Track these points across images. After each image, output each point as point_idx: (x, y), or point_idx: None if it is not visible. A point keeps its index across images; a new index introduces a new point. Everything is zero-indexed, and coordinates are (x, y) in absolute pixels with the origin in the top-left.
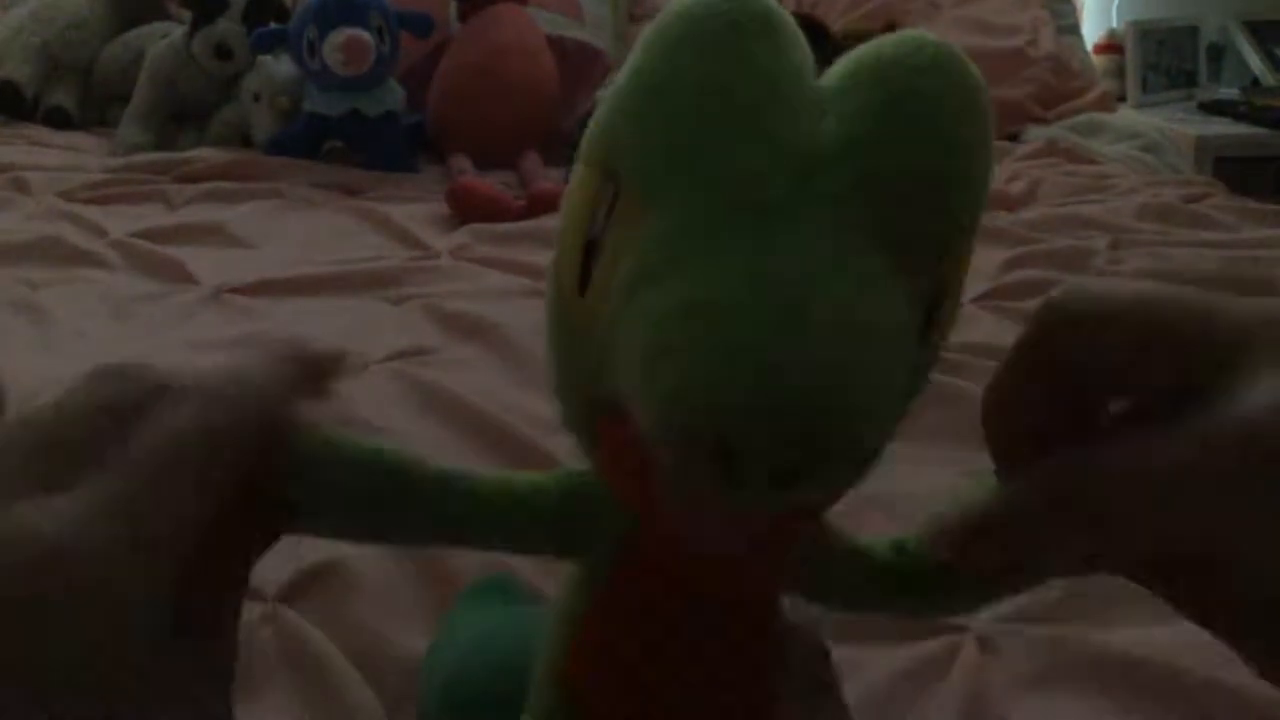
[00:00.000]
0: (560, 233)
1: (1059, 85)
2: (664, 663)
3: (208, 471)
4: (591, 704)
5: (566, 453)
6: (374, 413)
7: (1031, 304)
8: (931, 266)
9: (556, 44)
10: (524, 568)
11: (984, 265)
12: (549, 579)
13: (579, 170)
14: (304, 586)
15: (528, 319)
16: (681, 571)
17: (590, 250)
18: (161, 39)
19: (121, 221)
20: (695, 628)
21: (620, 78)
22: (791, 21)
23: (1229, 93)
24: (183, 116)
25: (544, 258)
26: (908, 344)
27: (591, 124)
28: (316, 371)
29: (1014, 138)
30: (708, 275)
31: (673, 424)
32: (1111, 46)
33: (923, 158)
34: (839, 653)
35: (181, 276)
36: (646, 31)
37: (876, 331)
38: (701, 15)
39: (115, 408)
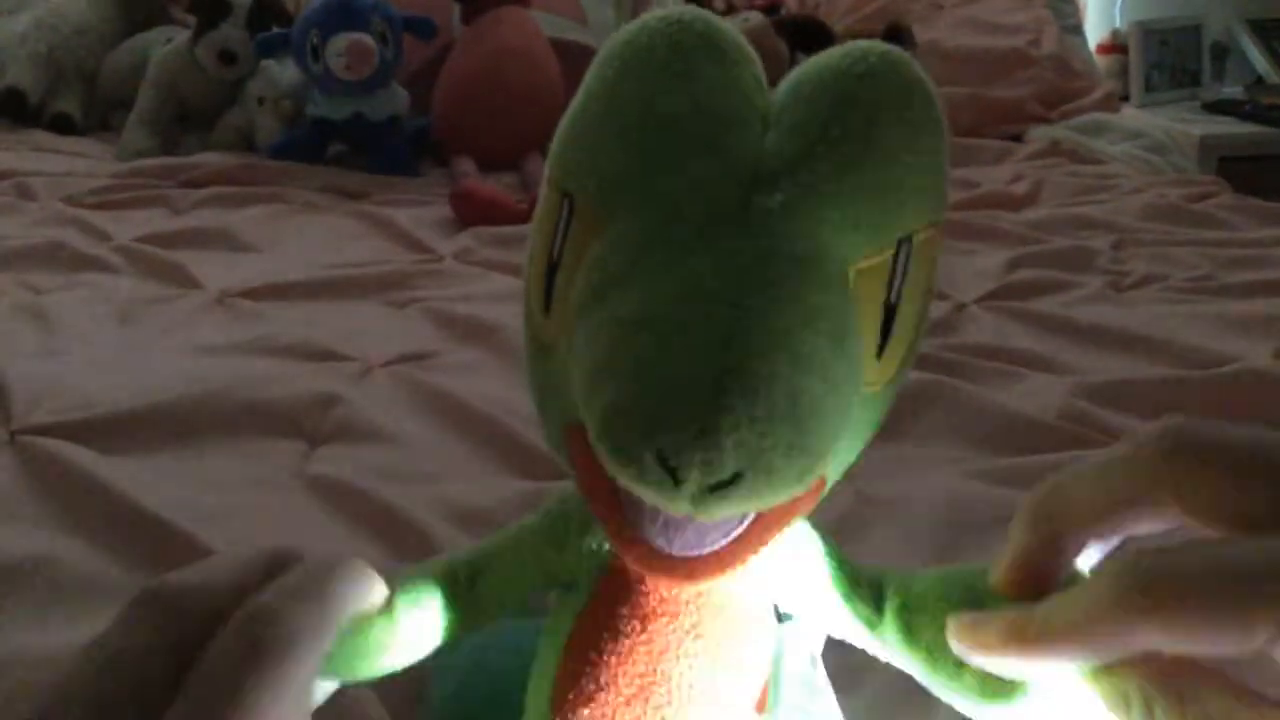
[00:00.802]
0: (528, 253)
1: (1062, 85)
2: (648, 679)
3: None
4: None
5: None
6: (377, 416)
7: (1033, 304)
8: (881, 279)
9: (559, 47)
10: None
11: (986, 266)
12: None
13: (544, 191)
14: None
15: None
16: (658, 584)
17: (553, 270)
18: (165, 44)
19: (126, 226)
20: (678, 642)
21: (574, 101)
22: (739, 39)
23: (1233, 92)
24: (187, 121)
25: None
26: (850, 347)
27: (551, 146)
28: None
29: (1017, 138)
30: (646, 293)
31: (613, 440)
32: (1115, 46)
33: (863, 168)
34: (843, 660)
35: (186, 281)
36: (597, 56)
37: (809, 338)
38: (646, 39)
39: (175, 648)
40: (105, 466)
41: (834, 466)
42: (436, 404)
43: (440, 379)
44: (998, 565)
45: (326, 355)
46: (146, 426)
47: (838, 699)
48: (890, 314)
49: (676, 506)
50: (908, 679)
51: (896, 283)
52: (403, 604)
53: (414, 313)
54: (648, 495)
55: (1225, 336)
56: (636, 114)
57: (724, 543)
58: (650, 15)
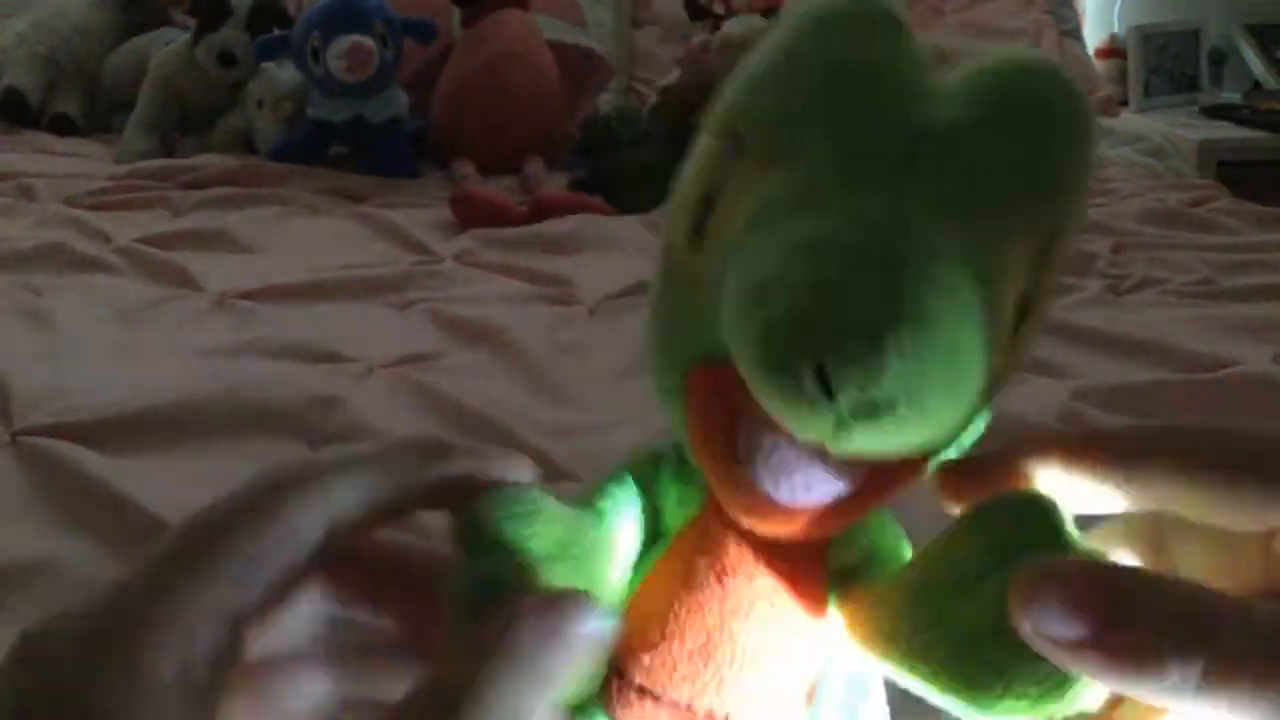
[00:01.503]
0: (677, 191)
1: None
2: (715, 635)
3: None
4: (637, 667)
5: (569, 458)
6: (378, 418)
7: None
8: (1026, 263)
9: (559, 49)
10: None
11: None
12: None
13: (703, 140)
14: None
15: (532, 324)
16: (738, 547)
17: (707, 204)
18: (165, 46)
19: (126, 228)
20: (750, 604)
21: (751, 60)
22: (909, 23)
23: (1231, 96)
24: (187, 123)
25: (548, 263)
26: (993, 320)
27: (719, 100)
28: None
29: None
30: (821, 219)
31: (773, 349)
32: (1113, 51)
33: (1031, 150)
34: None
35: (186, 282)
36: (778, 24)
37: (969, 289)
38: (829, 10)
39: None
40: (106, 468)
41: (940, 450)
42: (437, 406)
43: (441, 381)
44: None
45: (327, 357)
46: (147, 428)
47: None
48: (1025, 309)
49: (819, 428)
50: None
51: (1037, 276)
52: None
53: (415, 315)
54: (793, 416)
55: (1224, 340)
56: (819, 64)
57: (826, 500)
58: None
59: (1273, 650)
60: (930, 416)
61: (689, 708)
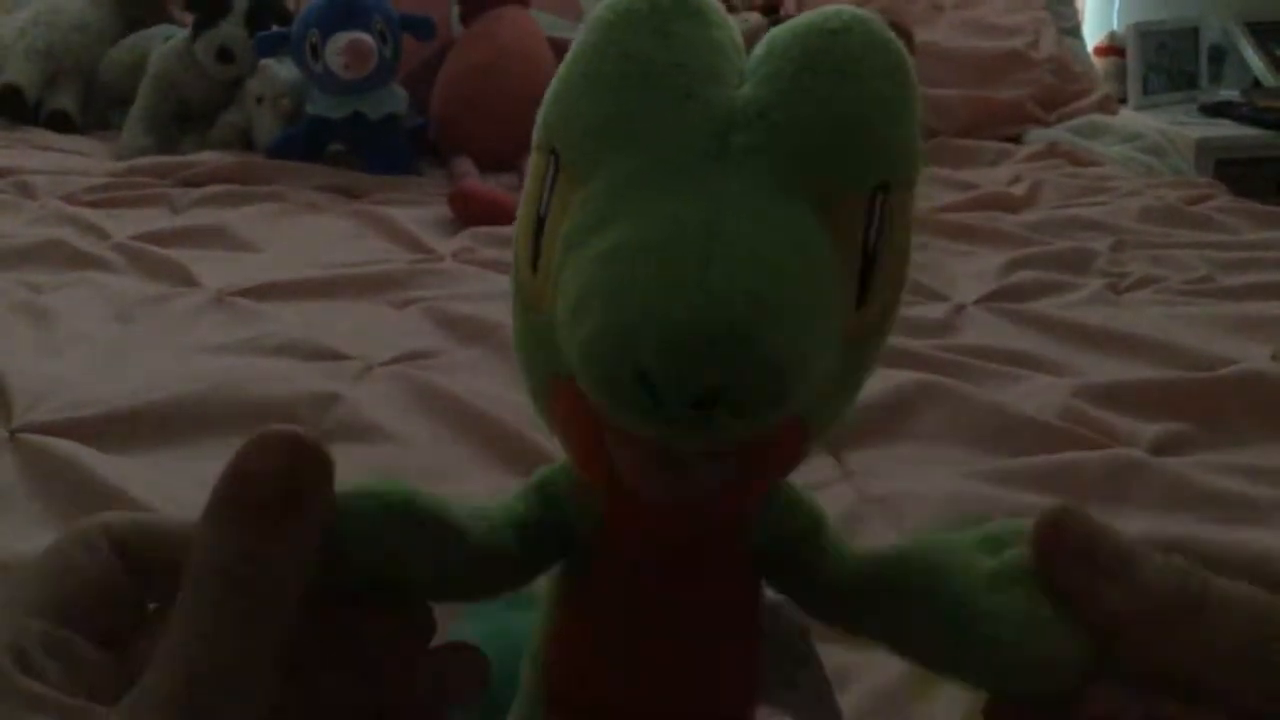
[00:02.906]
0: (517, 216)
1: (1060, 87)
2: (635, 644)
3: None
4: (566, 690)
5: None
6: (377, 416)
7: (1031, 306)
8: (859, 219)
9: (558, 46)
10: None
11: (985, 267)
12: None
13: (532, 157)
14: None
15: None
16: (645, 548)
17: (540, 226)
18: (164, 42)
19: (124, 225)
20: (665, 607)
21: (560, 68)
22: (716, 4)
23: (1230, 94)
24: (185, 120)
25: None
26: (825, 283)
27: (539, 113)
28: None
29: (1015, 140)
30: (626, 228)
31: (594, 362)
32: (1112, 48)
33: (835, 110)
34: (841, 657)
35: (184, 280)
36: (589, 17)
37: (784, 263)
38: (621, 7)
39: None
40: (105, 465)
41: (815, 415)
42: (436, 403)
43: (440, 378)
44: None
45: (326, 354)
46: (146, 425)
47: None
48: (869, 262)
49: (658, 429)
50: (892, 681)
51: (873, 230)
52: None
53: (413, 312)
54: (630, 421)
55: (1223, 338)
56: (615, 67)
57: (710, 487)
58: None
59: None
60: (762, 395)
61: (629, 717)
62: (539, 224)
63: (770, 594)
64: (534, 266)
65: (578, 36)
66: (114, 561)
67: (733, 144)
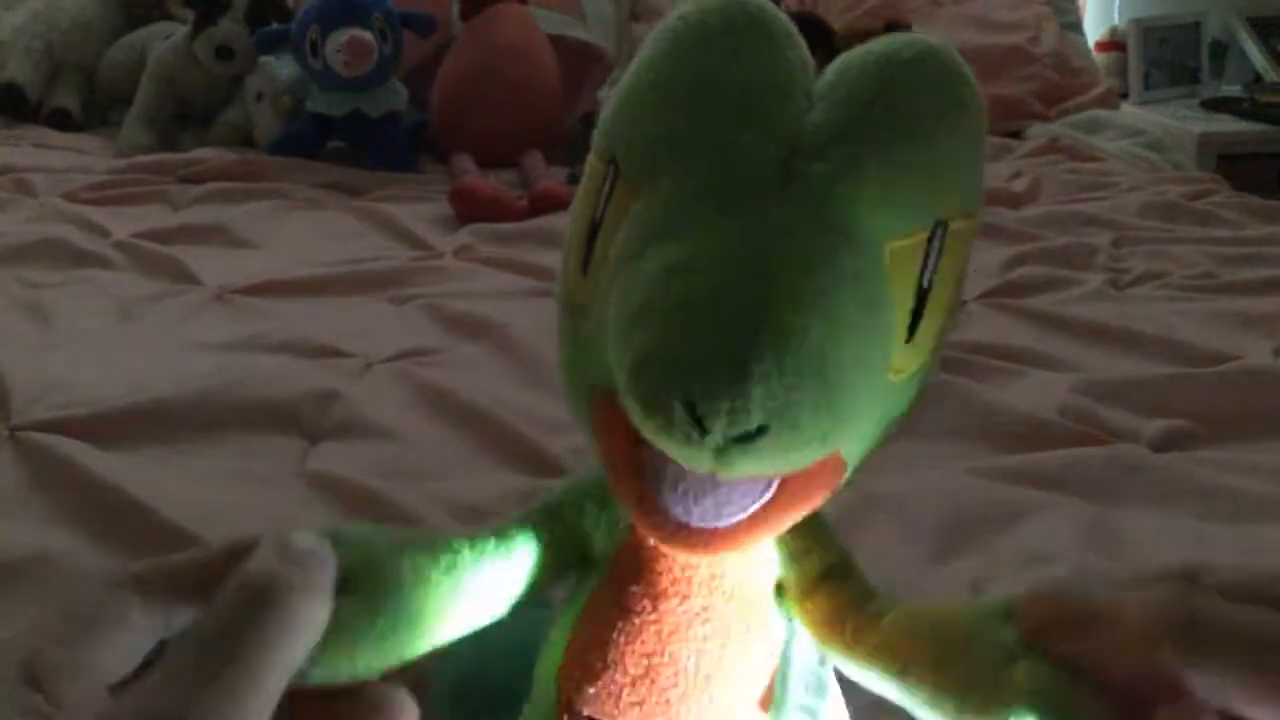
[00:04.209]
0: (570, 220)
1: (1061, 82)
2: (652, 662)
3: None
4: (580, 702)
5: (569, 453)
6: (378, 413)
7: (1032, 302)
8: (917, 252)
9: (558, 43)
10: None
11: (986, 263)
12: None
13: (590, 162)
14: None
15: (531, 319)
16: (669, 568)
17: (594, 232)
18: (164, 40)
19: (124, 222)
20: (687, 624)
21: (625, 75)
22: (787, 22)
23: (1232, 89)
24: (185, 117)
25: (547, 258)
26: (879, 317)
27: (600, 119)
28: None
29: (1016, 135)
30: (684, 246)
31: (642, 386)
32: (1114, 44)
33: (904, 143)
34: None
35: (185, 277)
36: (651, 33)
37: (841, 298)
38: (698, 16)
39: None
40: (104, 462)
41: (855, 448)
42: (436, 400)
43: (440, 376)
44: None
45: (326, 351)
46: (146, 422)
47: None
48: (922, 298)
49: (699, 459)
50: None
51: (930, 267)
52: (436, 572)
53: (413, 309)
54: (672, 448)
55: (1225, 334)
56: (685, 82)
57: (742, 516)
58: None
59: None
60: (808, 432)
61: None
62: (593, 229)
63: (791, 623)
64: (584, 271)
65: (645, 45)
66: (133, 598)
67: (797, 169)
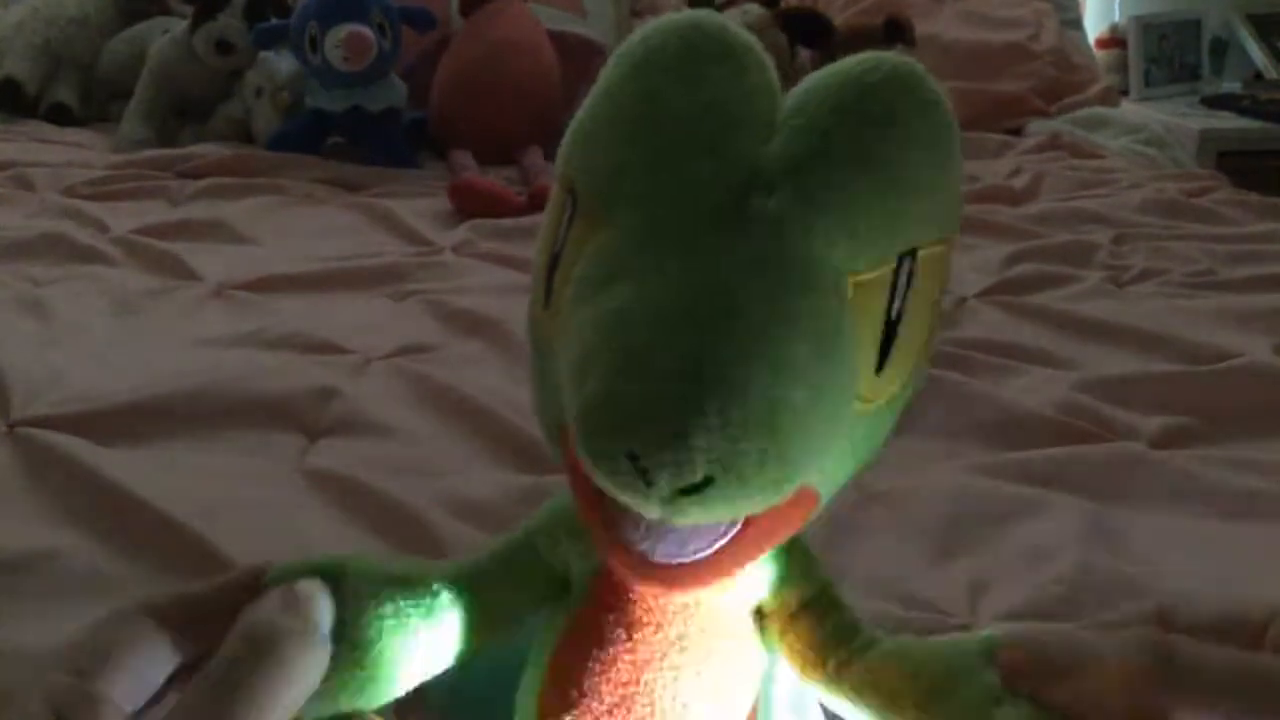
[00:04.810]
0: (535, 250)
1: (1061, 79)
2: (629, 689)
3: None
4: None
5: None
6: (376, 409)
7: (1033, 299)
8: (881, 293)
9: (558, 39)
10: None
11: (986, 260)
12: None
13: (554, 188)
14: None
15: None
16: (642, 598)
17: (554, 264)
18: (163, 35)
19: (124, 218)
20: (663, 653)
21: (587, 99)
22: (754, 45)
23: (1232, 87)
24: (184, 112)
25: None
26: (839, 358)
27: (561, 144)
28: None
29: (1017, 132)
30: (631, 290)
31: (587, 436)
32: (1114, 40)
33: (864, 178)
34: None
35: (184, 273)
36: (617, 51)
37: (792, 345)
38: (659, 39)
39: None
40: (104, 459)
41: (826, 482)
42: (436, 397)
43: (440, 372)
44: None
45: (325, 348)
46: (145, 419)
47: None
48: (891, 330)
49: (648, 508)
50: None
51: (898, 298)
52: (416, 617)
53: (413, 305)
54: (622, 496)
55: (1225, 331)
56: (640, 112)
57: (707, 552)
58: (667, 17)
59: None
60: (757, 482)
61: None
62: (554, 261)
63: (773, 654)
64: (546, 304)
65: (607, 68)
66: (151, 630)
67: (753, 206)
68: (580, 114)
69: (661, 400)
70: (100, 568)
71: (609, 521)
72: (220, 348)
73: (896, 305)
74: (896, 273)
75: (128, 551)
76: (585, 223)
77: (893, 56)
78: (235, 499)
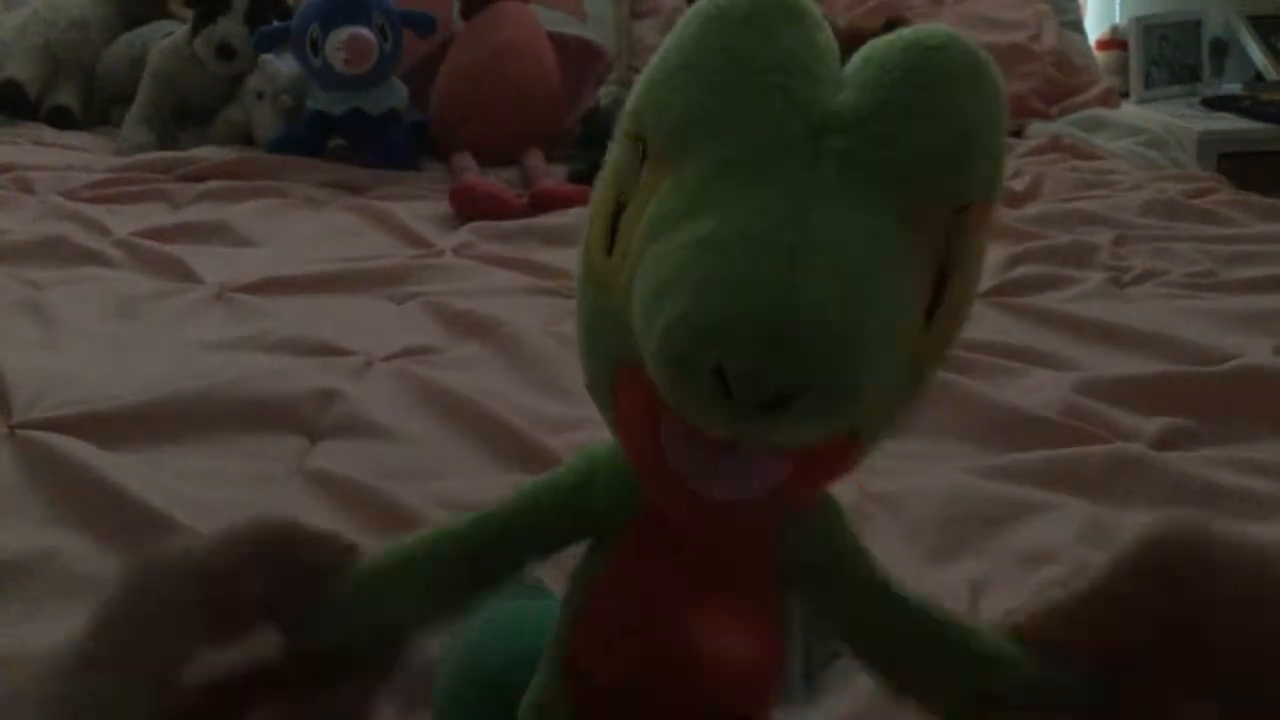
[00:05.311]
0: (593, 200)
1: (1062, 81)
2: (664, 626)
3: None
4: (589, 668)
5: (569, 451)
6: (378, 411)
7: (1033, 300)
8: (939, 236)
9: (558, 41)
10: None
11: (987, 261)
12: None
13: (616, 142)
14: None
15: (531, 317)
16: (685, 534)
17: (619, 212)
18: (164, 38)
19: (125, 221)
20: (696, 594)
21: (654, 57)
22: (816, 10)
23: (1232, 88)
24: (185, 116)
25: (548, 256)
26: (905, 295)
27: (628, 99)
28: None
29: (1017, 133)
30: (715, 219)
31: (671, 350)
32: (1115, 42)
33: (931, 124)
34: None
35: (185, 275)
36: (683, 16)
37: (870, 272)
38: (725, 3)
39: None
40: (105, 461)
41: (873, 430)
42: (437, 399)
43: (440, 374)
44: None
45: (326, 350)
46: (146, 421)
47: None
48: (941, 283)
49: (724, 425)
50: None
51: (952, 251)
52: (423, 556)
53: (414, 308)
54: (698, 413)
55: (1226, 332)
56: (715, 61)
57: (760, 490)
58: None
59: None
60: (833, 403)
61: (650, 704)
62: (618, 208)
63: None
64: (608, 250)
65: (675, 28)
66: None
67: (827, 146)
68: (650, 68)
69: (749, 316)
70: (100, 569)
71: (666, 456)
72: (221, 350)
73: (951, 253)
74: (952, 227)
75: (127, 553)
76: (656, 167)
77: (945, 28)
78: (235, 500)
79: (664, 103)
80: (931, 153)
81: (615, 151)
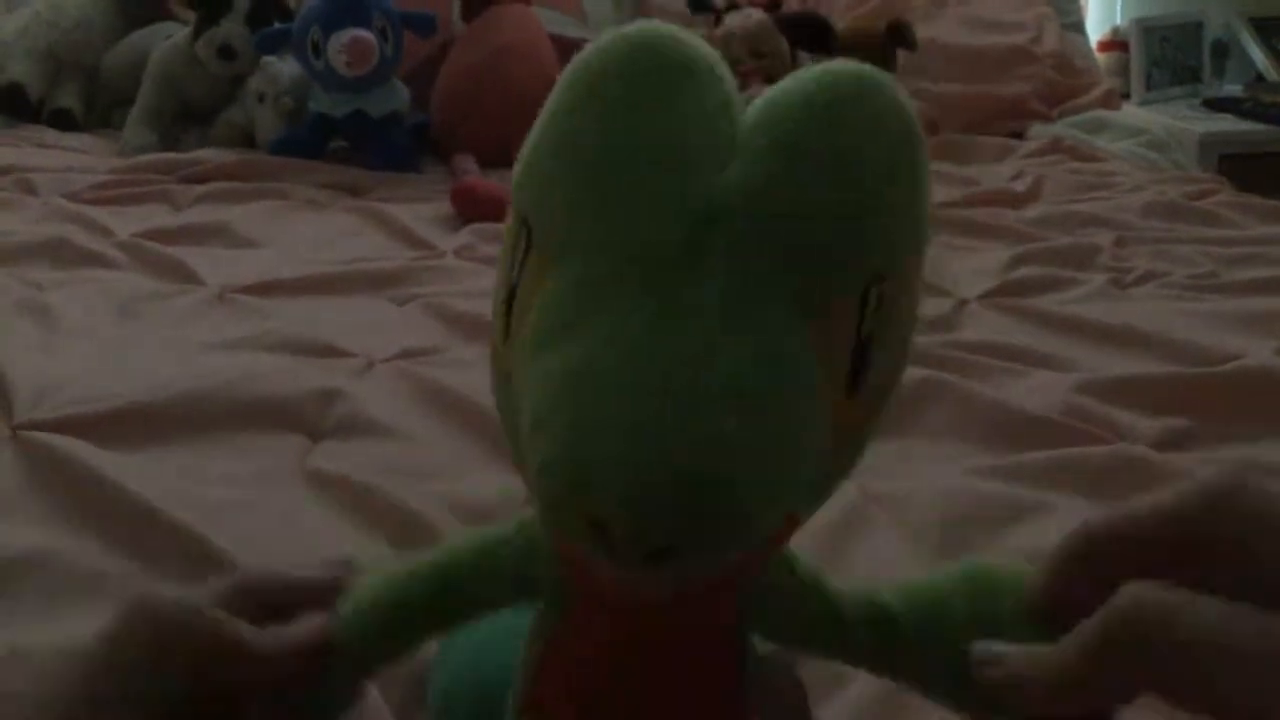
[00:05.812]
0: (496, 278)
1: (1063, 82)
2: (624, 690)
3: None
4: None
5: None
6: (379, 412)
7: (1034, 301)
8: (851, 309)
9: (560, 43)
10: None
11: (988, 263)
12: None
13: (507, 223)
14: None
15: None
16: (624, 614)
17: (512, 297)
18: (165, 40)
19: (127, 222)
20: (654, 656)
21: (538, 120)
22: (709, 58)
23: (1233, 89)
24: (187, 117)
25: None
26: (811, 407)
27: (515, 167)
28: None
29: (1018, 135)
30: (588, 342)
31: (545, 495)
32: (1116, 44)
33: (827, 195)
34: (824, 667)
35: (187, 277)
36: (565, 70)
37: (760, 400)
38: (599, 62)
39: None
40: (107, 461)
41: (805, 506)
42: (438, 400)
43: (441, 375)
44: (1029, 590)
45: (328, 351)
46: (148, 422)
47: (818, 707)
48: (862, 352)
49: (608, 571)
50: (886, 685)
51: (867, 321)
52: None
53: (415, 309)
54: (586, 552)
55: (1227, 333)
56: (587, 148)
57: (690, 587)
58: (617, 33)
59: None
60: (723, 543)
61: None
62: (511, 294)
63: (765, 646)
64: (505, 339)
65: (554, 92)
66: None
67: (711, 241)
68: (529, 141)
69: (621, 463)
70: (102, 569)
71: (587, 563)
72: (223, 351)
73: (865, 329)
74: (866, 294)
75: (129, 553)
76: (539, 259)
77: (851, 70)
78: (237, 501)
79: (542, 188)
80: (830, 233)
81: (507, 234)
